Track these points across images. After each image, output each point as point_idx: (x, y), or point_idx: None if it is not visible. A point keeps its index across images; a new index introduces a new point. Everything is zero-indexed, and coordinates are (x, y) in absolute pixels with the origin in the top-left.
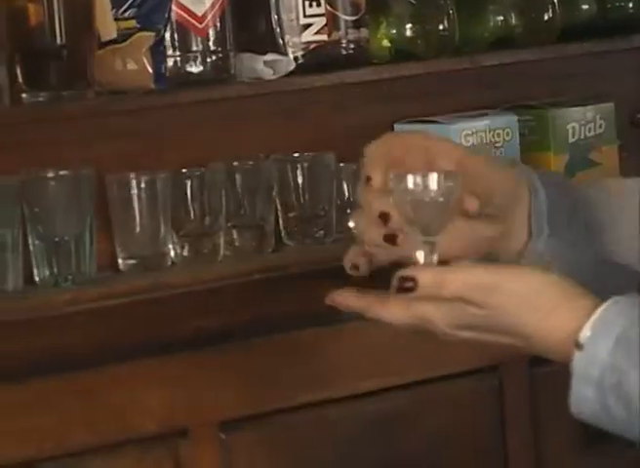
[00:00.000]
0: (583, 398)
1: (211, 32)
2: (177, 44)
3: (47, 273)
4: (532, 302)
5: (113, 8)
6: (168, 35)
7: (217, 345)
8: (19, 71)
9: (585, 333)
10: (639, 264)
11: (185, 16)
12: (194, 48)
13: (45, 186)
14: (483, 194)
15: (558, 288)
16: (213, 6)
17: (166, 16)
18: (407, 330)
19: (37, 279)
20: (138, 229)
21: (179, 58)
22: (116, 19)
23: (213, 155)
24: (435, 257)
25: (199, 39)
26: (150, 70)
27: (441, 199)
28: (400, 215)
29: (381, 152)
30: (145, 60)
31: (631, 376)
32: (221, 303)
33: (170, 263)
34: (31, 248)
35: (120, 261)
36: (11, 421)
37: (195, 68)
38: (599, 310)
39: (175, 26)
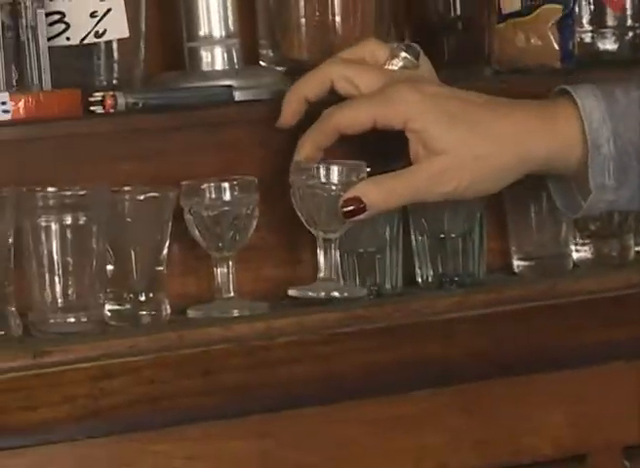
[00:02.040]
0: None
1: (628, 6)
2: (588, 18)
3: (431, 273)
4: None
5: None
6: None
7: (624, 359)
8: None
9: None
10: None
11: None
12: (609, 23)
13: None
14: None
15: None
16: None
17: None
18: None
19: (419, 280)
20: (536, 227)
21: (589, 35)
22: None
23: None
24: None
25: (614, 14)
26: (557, 47)
27: (343, 193)
28: (300, 211)
29: None
30: (551, 36)
31: None
32: (629, 314)
33: (571, 267)
34: (414, 245)
35: (515, 263)
36: (390, 439)
37: (610, 46)
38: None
39: None
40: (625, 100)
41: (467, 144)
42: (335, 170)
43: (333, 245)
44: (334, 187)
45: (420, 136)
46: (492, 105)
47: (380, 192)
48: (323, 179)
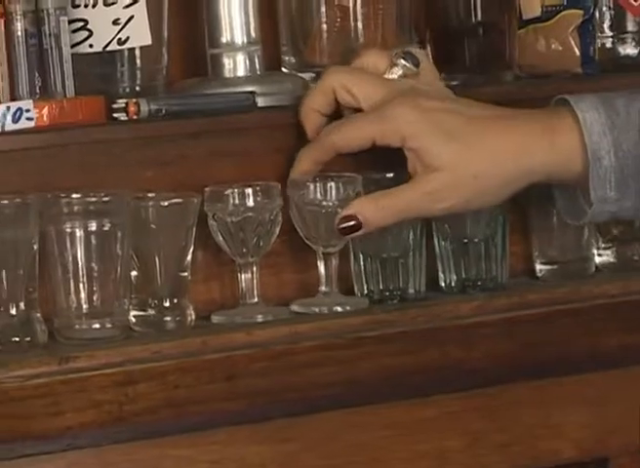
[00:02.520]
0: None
1: None
2: (608, 24)
3: (454, 278)
4: None
5: None
6: (597, 14)
7: None
8: (429, 52)
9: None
10: None
11: None
12: (629, 28)
13: None
14: None
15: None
16: None
17: None
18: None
19: (442, 284)
20: (558, 231)
21: (610, 40)
22: None
23: None
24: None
25: (634, 19)
26: (577, 52)
27: (340, 210)
28: (299, 226)
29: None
30: (572, 41)
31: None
32: None
33: (594, 270)
34: (437, 250)
35: (537, 267)
36: (413, 442)
37: (630, 51)
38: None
39: (609, 4)
40: (626, 112)
41: (465, 162)
42: (331, 186)
43: (333, 258)
44: (330, 203)
45: (417, 154)
46: (491, 119)
47: (377, 209)
48: (319, 196)
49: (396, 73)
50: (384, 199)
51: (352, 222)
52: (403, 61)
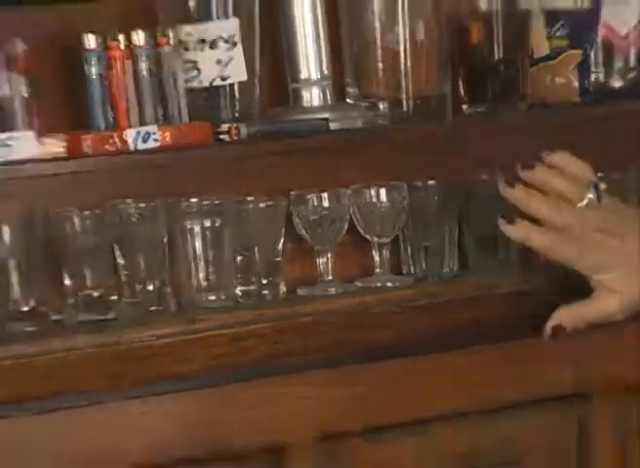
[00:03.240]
0: None
1: (632, 51)
2: (600, 60)
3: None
4: None
5: (546, 27)
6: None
7: None
8: (460, 85)
9: None
10: None
11: (609, 35)
12: (616, 64)
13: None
14: None
15: None
16: (636, 27)
17: (593, 36)
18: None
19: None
20: None
21: (601, 74)
22: (548, 38)
23: None
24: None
25: (620, 56)
26: (576, 85)
27: (388, 208)
28: (360, 226)
29: None
30: (572, 76)
31: None
32: None
33: None
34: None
35: None
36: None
37: (617, 83)
38: None
39: (599, 44)
40: None
41: (633, 288)
42: (382, 192)
43: (385, 248)
44: (383, 205)
45: (602, 284)
46: None
47: (573, 318)
48: (374, 199)
49: (584, 202)
50: (578, 310)
51: (559, 330)
52: (590, 195)
